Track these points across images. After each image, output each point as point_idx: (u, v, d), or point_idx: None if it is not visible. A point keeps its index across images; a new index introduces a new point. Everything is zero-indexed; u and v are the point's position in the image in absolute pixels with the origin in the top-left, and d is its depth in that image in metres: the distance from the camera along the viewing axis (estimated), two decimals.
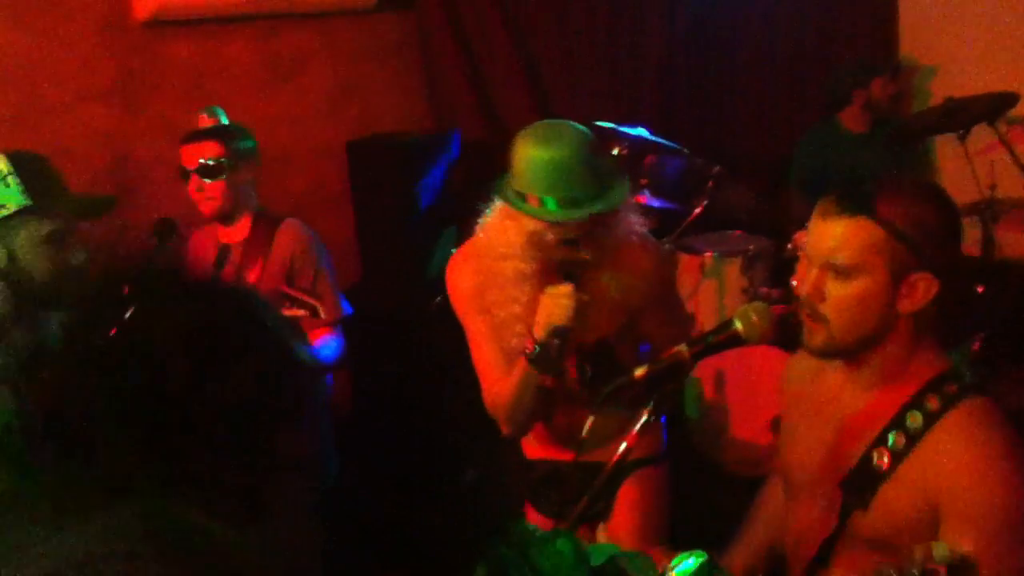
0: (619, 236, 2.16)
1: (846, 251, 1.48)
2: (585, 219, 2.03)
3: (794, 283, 1.61)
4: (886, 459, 1.50)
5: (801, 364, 1.76)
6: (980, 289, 3.57)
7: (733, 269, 3.83)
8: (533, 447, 2.46)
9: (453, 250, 4.17)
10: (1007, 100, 3.55)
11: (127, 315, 0.91)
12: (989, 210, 3.61)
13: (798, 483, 1.71)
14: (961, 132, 3.67)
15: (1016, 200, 3.62)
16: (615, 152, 3.95)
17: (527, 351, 2.08)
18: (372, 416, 4.10)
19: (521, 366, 2.12)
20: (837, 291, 1.50)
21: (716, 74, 5.38)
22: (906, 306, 1.50)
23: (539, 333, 2.04)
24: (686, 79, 5.36)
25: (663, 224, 4.32)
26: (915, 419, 1.49)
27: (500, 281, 2.15)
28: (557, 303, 2.02)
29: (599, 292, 2.14)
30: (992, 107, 3.57)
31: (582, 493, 1.98)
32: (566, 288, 2.03)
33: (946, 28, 4.52)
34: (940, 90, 4.54)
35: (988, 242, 3.64)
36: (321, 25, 4.42)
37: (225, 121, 2.75)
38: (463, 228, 4.29)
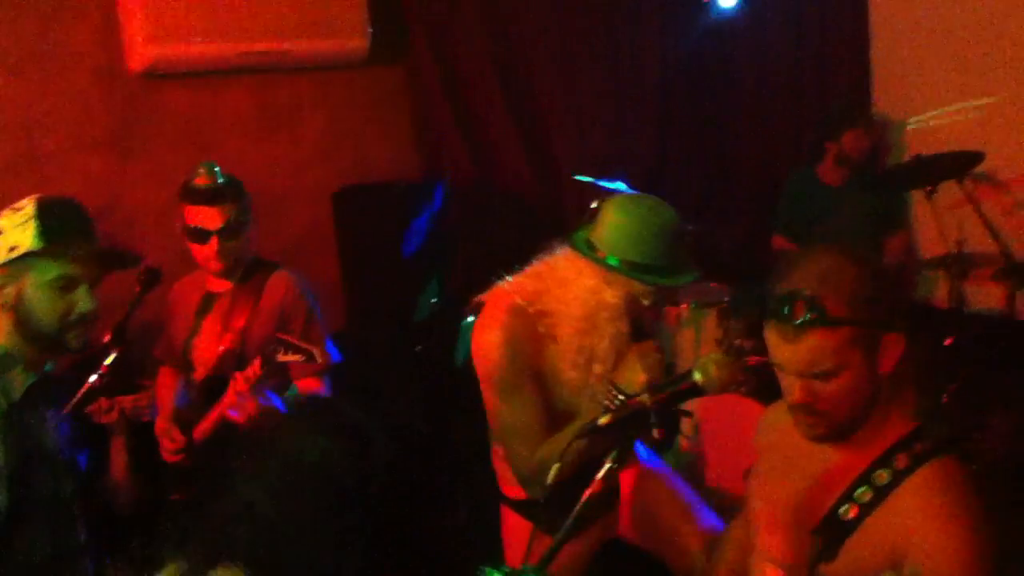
0: None
1: (824, 362, 1.52)
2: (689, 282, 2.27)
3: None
4: (853, 512, 1.56)
5: (775, 416, 1.80)
6: (948, 341, 3.66)
7: (710, 320, 3.92)
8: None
9: (435, 299, 4.32)
10: (973, 158, 3.67)
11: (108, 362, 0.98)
12: (957, 265, 3.71)
13: (767, 528, 1.74)
14: (929, 189, 3.79)
15: (983, 255, 3.72)
16: (594, 206, 4.06)
17: (614, 410, 1.93)
18: None
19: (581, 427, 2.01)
20: (827, 389, 1.54)
21: (711, 124, 5.57)
22: (885, 367, 1.56)
23: (635, 388, 2.07)
24: (683, 123, 5.52)
25: None
26: (883, 476, 1.55)
27: (590, 342, 2.20)
28: (649, 359, 2.13)
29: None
30: (959, 164, 3.69)
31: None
32: (653, 344, 2.16)
33: (918, 84, 4.67)
34: (915, 145, 4.68)
35: (956, 295, 3.74)
36: (314, 77, 4.54)
37: (222, 179, 2.75)
38: (449, 276, 4.43)
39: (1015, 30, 4.21)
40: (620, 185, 4.16)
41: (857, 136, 4.31)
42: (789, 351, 1.53)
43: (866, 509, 1.55)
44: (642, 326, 2.18)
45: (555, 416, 2.23)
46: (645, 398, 1.66)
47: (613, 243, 2.17)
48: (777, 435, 1.78)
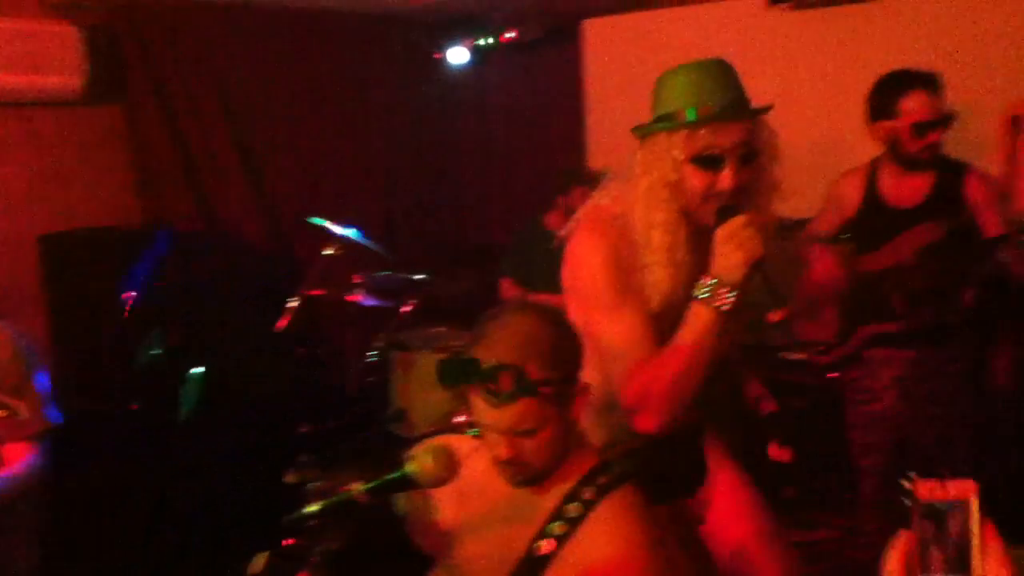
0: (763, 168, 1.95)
1: (527, 423, 1.60)
2: (743, 121, 1.88)
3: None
4: (549, 547, 1.66)
5: (474, 461, 1.83)
6: None
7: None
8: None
9: (158, 351, 4.11)
10: None
11: None
12: None
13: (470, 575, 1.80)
14: None
15: None
16: (327, 252, 4.09)
17: (712, 299, 1.82)
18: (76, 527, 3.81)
19: (701, 324, 1.84)
20: (530, 443, 1.63)
21: (437, 176, 5.78)
22: (575, 412, 1.70)
23: (737, 275, 1.80)
24: (410, 178, 5.69)
25: (375, 322, 4.50)
26: (574, 510, 1.67)
27: (656, 232, 1.92)
28: (742, 237, 1.81)
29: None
30: None
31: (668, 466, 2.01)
32: (742, 219, 1.83)
33: (629, 144, 5.10)
34: None
35: None
36: (21, 113, 4.22)
37: None
38: (172, 327, 4.24)
39: None
40: (354, 232, 4.22)
41: (583, 193, 4.63)
42: (496, 415, 1.60)
43: (561, 542, 1.66)
44: (733, 208, 1.86)
45: (664, 333, 1.92)
46: (357, 488, 1.59)
47: (656, 111, 1.97)
48: (480, 479, 1.81)
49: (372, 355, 4.38)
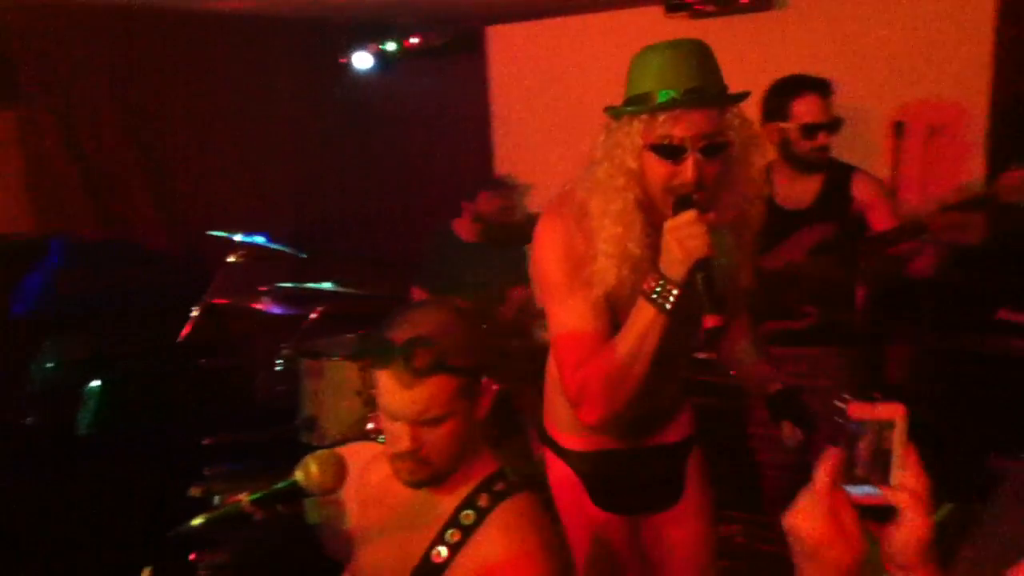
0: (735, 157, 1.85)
1: (435, 408, 1.58)
2: (709, 110, 1.75)
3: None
4: (444, 553, 1.65)
5: (375, 468, 1.84)
6: None
7: (351, 373, 3.97)
8: (579, 438, 2.15)
9: (51, 364, 3.97)
10: None
11: None
12: None
13: None
14: None
15: None
16: (232, 259, 4.02)
17: (656, 298, 1.76)
18: None
19: (643, 321, 1.79)
20: (434, 436, 1.60)
21: (347, 183, 5.74)
22: (480, 414, 1.68)
23: (677, 272, 1.73)
24: (319, 186, 5.63)
25: (284, 327, 4.44)
26: (469, 516, 1.66)
27: (608, 236, 1.84)
28: (688, 233, 1.71)
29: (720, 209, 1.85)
30: None
31: (646, 480, 1.95)
32: (690, 215, 1.72)
33: (534, 149, 5.18)
34: (534, 207, 5.19)
35: None
36: None
37: None
38: (69, 338, 4.10)
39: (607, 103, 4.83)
40: (262, 239, 4.16)
41: (489, 197, 4.67)
42: (406, 397, 1.57)
43: (455, 548, 1.64)
44: (690, 199, 1.76)
45: (617, 327, 1.88)
46: (243, 499, 1.56)
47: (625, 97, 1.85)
48: (377, 488, 1.81)
49: (280, 364, 4.31)
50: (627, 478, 2.13)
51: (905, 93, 3.94)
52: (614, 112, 1.88)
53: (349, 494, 1.85)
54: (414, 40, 5.15)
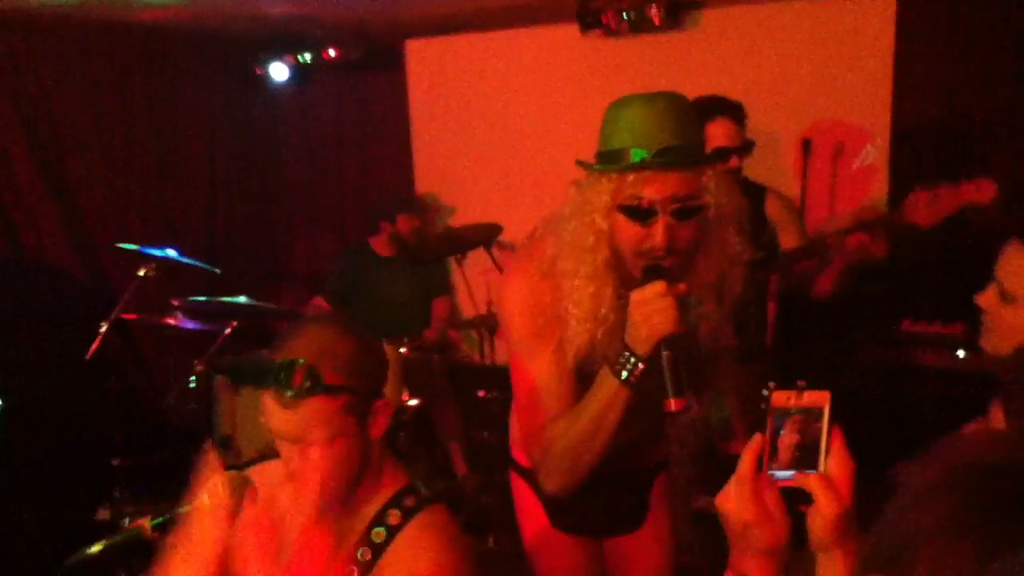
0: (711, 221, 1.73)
1: (319, 429, 1.52)
2: (682, 171, 1.64)
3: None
4: (355, 574, 1.60)
5: (264, 488, 1.71)
6: (482, 393, 4.06)
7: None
8: None
9: None
10: (494, 230, 4.14)
11: None
12: (485, 323, 4.14)
13: None
14: (459, 257, 4.20)
15: None
16: (141, 273, 3.90)
17: (620, 370, 1.67)
18: None
19: (606, 393, 1.69)
20: (321, 458, 1.52)
21: (261, 198, 5.67)
22: (375, 433, 1.62)
23: (641, 348, 1.63)
24: (233, 201, 5.56)
25: (198, 345, 4.33)
26: (379, 535, 1.62)
27: (579, 299, 1.75)
28: (655, 309, 1.60)
29: (695, 288, 1.76)
30: (484, 234, 4.15)
31: (610, 503, 1.87)
32: (658, 287, 1.61)
33: (451, 166, 5.19)
34: (454, 221, 5.20)
35: (486, 351, 4.17)
36: None
37: None
38: None
39: (527, 123, 4.88)
40: (171, 252, 4.06)
41: (409, 218, 4.68)
42: (285, 418, 1.53)
43: (366, 567, 1.60)
44: (653, 266, 1.67)
45: (584, 391, 1.78)
46: (145, 523, 1.50)
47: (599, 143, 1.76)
48: (257, 506, 1.71)
49: (192, 381, 4.20)
50: (591, 501, 2.00)
51: (813, 113, 4.07)
52: (585, 168, 1.78)
53: (256, 515, 1.77)
54: (332, 52, 5.11)
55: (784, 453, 1.18)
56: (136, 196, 5.11)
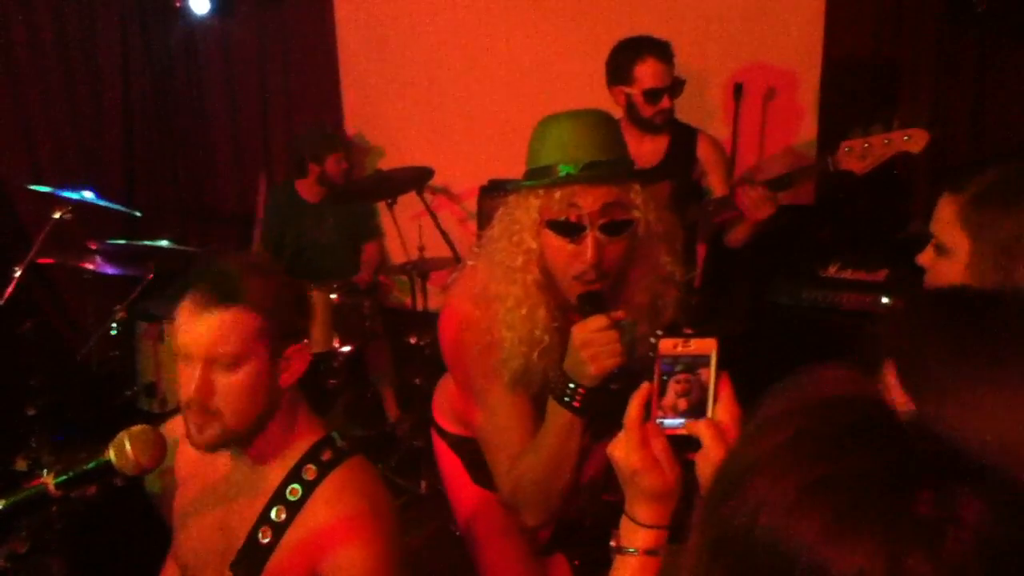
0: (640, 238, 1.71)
1: (230, 343, 1.47)
2: (609, 185, 1.63)
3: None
4: (270, 534, 1.55)
5: (180, 438, 1.66)
6: (414, 340, 4.02)
7: None
8: (458, 426, 2.11)
9: None
10: (425, 173, 4.06)
11: None
12: (417, 268, 4.08)
13: (193, 569, 1.68)
14: (390, 201, 4.12)
15: (440, 260, 4.14)
16: (57, 216, 3.75)
17: (568, 400, 1.63)
18: None
19: (560, 424, 1.65)
20: (225, 382, 1.49)
21: (182, 136, 5.49)
22: (286, 380, 1.57)
23: (588, 381, 1.60)
24: (152, 138, 5.37)
25: (119, 290, 4.21)
26: (295, 491, 1.56)
27: (511, 321, 1.71)
28: (600, 348, 1.56)
29: (627, 307, 1.71)
30: (415, 178, 4.06)
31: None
32: (599, 321, 1.57)
33: (382, 106, 5.06)
34: (380, 161, 5.09)
35: (417, 296, 4.12)
36: None
37: None
38: None
39: (460, 63, 4.77)
40: (87, 195, 3.90)
41: (338, 160, 4.54)
42: (200, 325, 1.48)
43: (281, 528, 1.55)
44: (596, 296, 1.64)
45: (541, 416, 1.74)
46: (48, 480, 1.42)
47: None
48: (193, 466, 1.70)
49: (114, 327, 4.09)
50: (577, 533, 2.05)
51: (743, 56, 4.06)
52: (512, 186, 1.75)
53: (178, 467, 1.75)
54: None
55: (672, 400, 1.19)
56: (46, 132, 4.90)
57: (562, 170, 1.63)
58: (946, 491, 0.65)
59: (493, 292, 1.74)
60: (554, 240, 1.67)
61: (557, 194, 1.64)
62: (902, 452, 0.68)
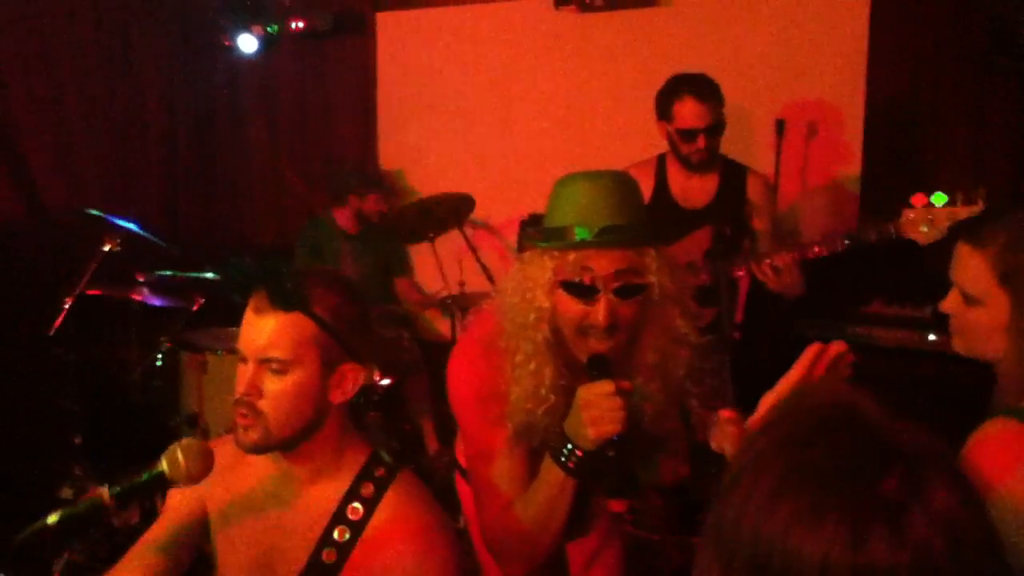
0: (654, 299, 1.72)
1: (282, 346, 1.50)
2: (623, 249, 1.65)
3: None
4: (334, 555, 1.55)
5: (224, 461, 1.64)
6: None
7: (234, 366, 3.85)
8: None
9: None
10: (466, 202, 4.08)
11: None
12: (457, 303, 4.10)
13: None
14: (431, 235, 4.15)
15: (480, 295, 4.15)
16: (107, 248, 3.82)
17: (564, 460, 1.66)
18: None
19: (552, 481, 1.68)
20: (274, 386, 1.51)
21: (223, 169, 5.58)
22: (337, 396, 1.57)
23: (584, 443, 1.62)
24: (192, 171, 5.45)
25: (165, 321, 4.26)
26: (355, 511, 1.57)
27: (519, 377, 1.72)
28: (601, 412, 1.59)
29: (638, 367, 1.74)
30: (456, 207, 4.08)
31: None
32: (606, 386, 1.60)
33: (416, 140, 5.11)
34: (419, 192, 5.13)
35: (457, 330, 4.13)
36: None
37: None
38: None
39: (498, 101, 4.82)
40: (132, 225, 3.97)
41: (377, 200, 4.60)
42: (256, 326, 1.51)
43: (347, 547, 1.55)
44: (604, 360, 1.66)
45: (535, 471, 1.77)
46: (103, 492, 1.42)
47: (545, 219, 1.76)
48: (229, 482, 1.68)
49: (158, 357, 4.13)
50: None
51: (786, 93, 4.06)
52: (527, 242, 1.77)
53: (213, 488, 1.73)
54: (298, 24, 5.01)
55: None
56: (93, 164, 5.00)
57: (578, 234, 1.65)
58: (915, 475, 0.70)
59: (503, 346, 1.75)
60: (567, 300, 1.68)
61: (571, 256, 1.66)
62: (873, 443, 0.73)
